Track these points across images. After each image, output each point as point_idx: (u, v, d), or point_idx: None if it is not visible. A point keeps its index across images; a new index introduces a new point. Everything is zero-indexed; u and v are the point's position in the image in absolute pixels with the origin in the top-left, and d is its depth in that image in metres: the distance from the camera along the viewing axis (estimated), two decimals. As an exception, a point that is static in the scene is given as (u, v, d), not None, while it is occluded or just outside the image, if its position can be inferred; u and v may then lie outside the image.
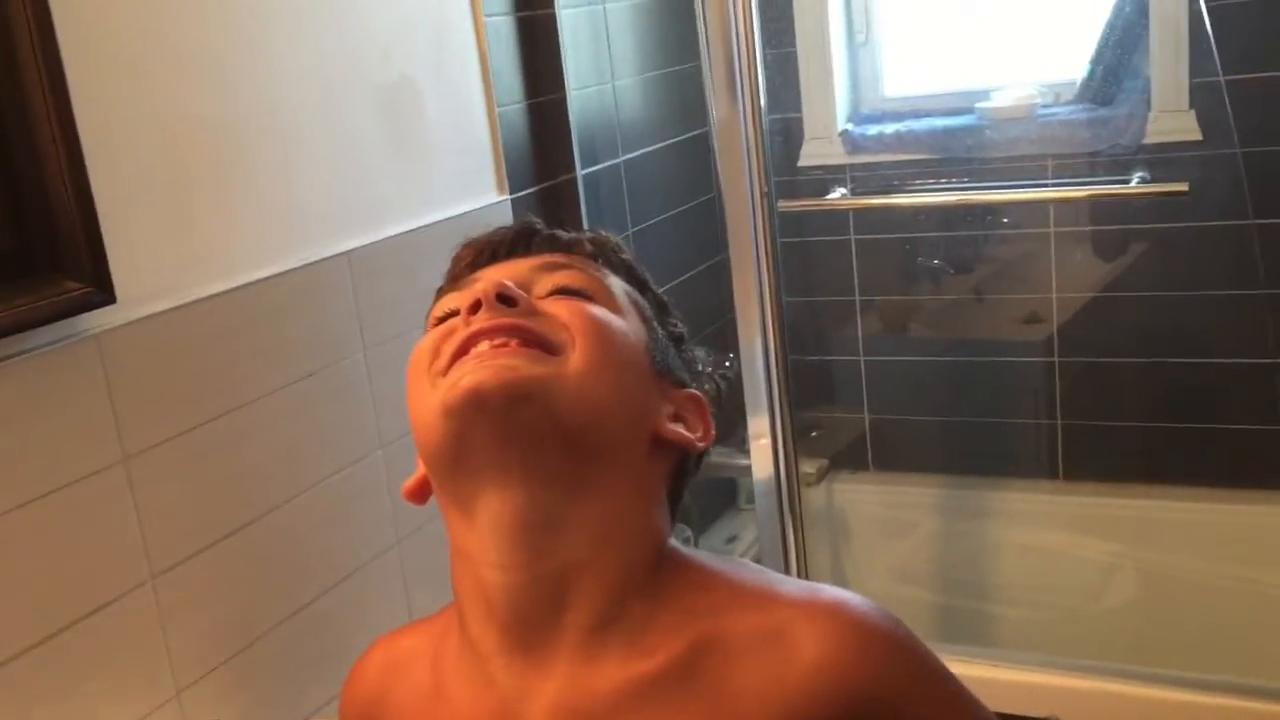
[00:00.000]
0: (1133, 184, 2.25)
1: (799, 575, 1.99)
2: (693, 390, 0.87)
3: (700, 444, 0.84)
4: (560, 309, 0.80)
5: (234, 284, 1.29)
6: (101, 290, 1.10)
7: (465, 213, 1.69)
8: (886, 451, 2.72)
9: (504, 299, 0.78)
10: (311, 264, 1.40)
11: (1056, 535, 2.51)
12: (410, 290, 1.52)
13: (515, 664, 0.78)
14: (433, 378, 0.77)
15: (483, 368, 0.73)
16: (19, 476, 1.06)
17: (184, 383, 1.23)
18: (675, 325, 0.92)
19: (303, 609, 1.40)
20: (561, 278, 0.83)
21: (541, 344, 0.76)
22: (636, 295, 0.88)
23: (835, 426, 2.74)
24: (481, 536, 0.76)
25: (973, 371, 2.63)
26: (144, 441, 1.18)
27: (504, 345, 0.75)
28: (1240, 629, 2.18)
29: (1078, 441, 2.53)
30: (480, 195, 1.76)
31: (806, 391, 2.58)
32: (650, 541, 0.80)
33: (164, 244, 1.22)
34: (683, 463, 0.86)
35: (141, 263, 1.18)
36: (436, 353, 0.78)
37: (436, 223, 1.62)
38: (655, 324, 0.87)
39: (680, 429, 0.83)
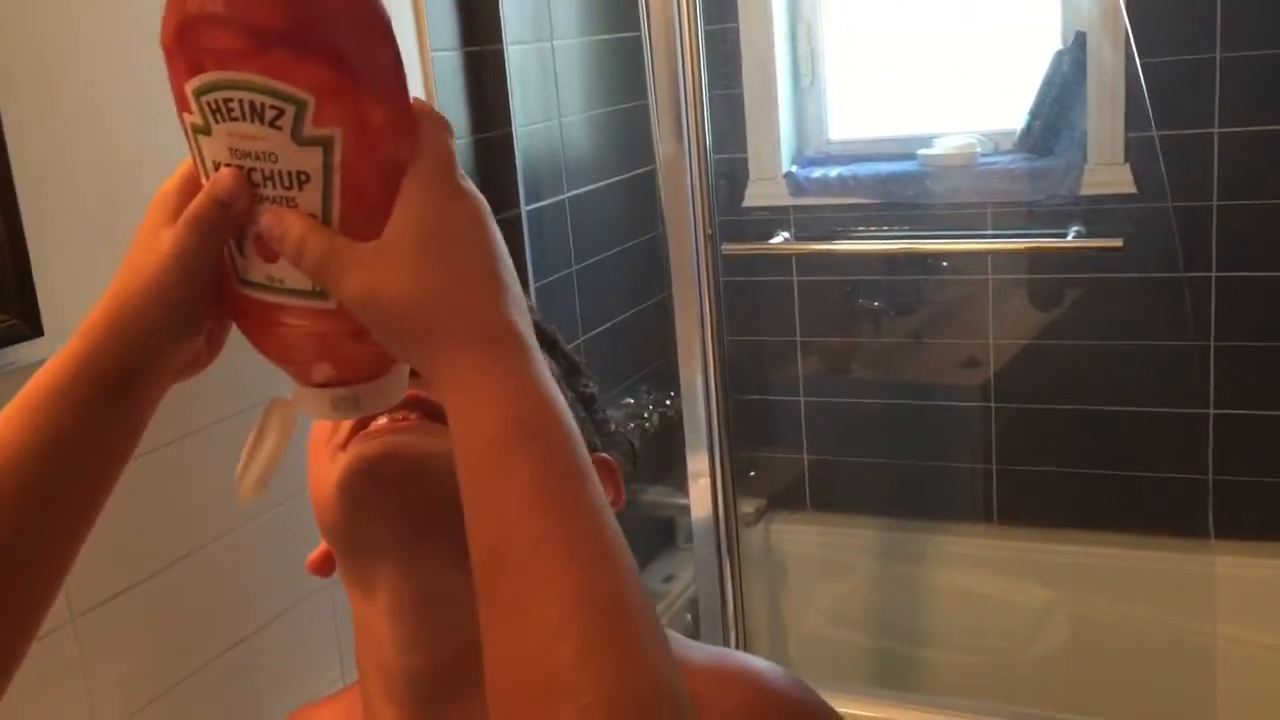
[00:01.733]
0: (1069, 238, 2.29)
1: (735, 615, 1.99)
2: (603, 455, 0.85)
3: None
4: None
5: (167, 317, 1.27)
6: (28, 322, 1.08)
7: (407, 247, 1.68)
8: (824, 492, 2.73)
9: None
10: (248, 297, 1.38)
11: (990, 579, 2.53)
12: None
13: None
14: (332, 451, 0.74)
15: (380, 443, 0.71)
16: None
17: (112, 417, 1.20)
18: (586, 386, 0.90)
19: (230, 649, 1.37)
20: None
21: (440, 416, 0.75)
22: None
23: (774, 466, 2.75)
24: (382, 616, 0.74)
25: (911, 414, 2.65)
26: (68, 477, 1.15)
27: (403, 419, 0.73)
28: (1168, 676, 2.21)
29: (1011, 486, 2.55)
30: (423, 230, 1.75)
31: (745, 431, 2.58)
32: None
33: (94, 277, 1.18)
34: None
35: (71, 296, 1.16)
36: (336, 426, 0.75)
37: (377, 257, 1.60)
38: (564, 387, 0.85)
39: None
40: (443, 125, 0.56)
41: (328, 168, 0.53)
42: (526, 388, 0.54)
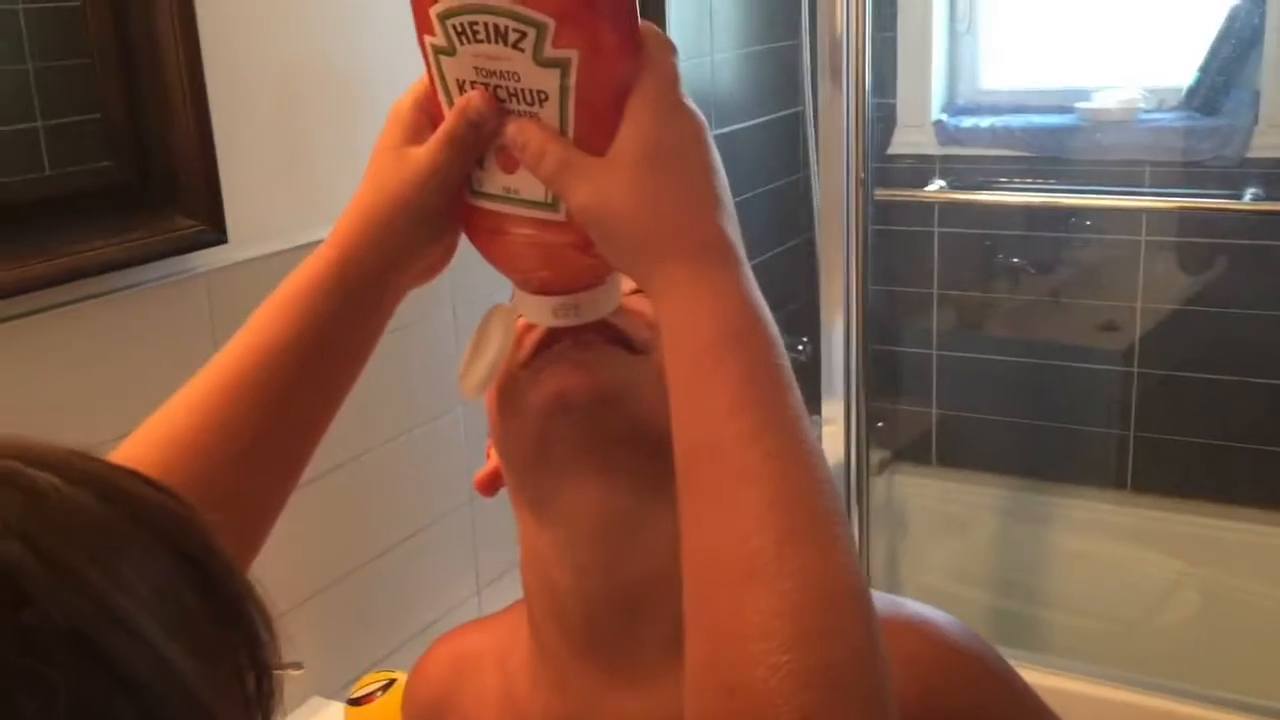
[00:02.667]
0: (1245, 200, 2.20)
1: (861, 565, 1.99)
2: None
3: None
4: (642, 305, 0.75)
5: (338, 232, 1.30)
6: (215, 228, 1.11)
7: (561, 176, 1.69)
8: (951, 447, 2.70)
9: None
10: (412, 217, 1.41)
11: (1119, 546, 2.48)
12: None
13: (591, 675, 0.75)
14: (514, 369, 0.74)
15: (566, 368, 0.71)
16: (121, 407, 1.07)
17: (283, 326, 1.24)
18: None
19: (372, 560, 1.42)
20: None
21: (623, 342, 0.73)
22: None
23: (901, 418, 2.72)
24: (556, 538, 0.74)
25: (1045, 374, 2.59)
26: (242, 382, 1.20)
27: (587, 343, 0.72)
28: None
29: (1149, 453, 2.49)
30: (576, 160, 1.75)
31: (875, 381, 2.56)
32: None
33: (277, 186, 1.23)
34: None
35: (254, 204, 1.19)
36: (520, 343, 0.75)
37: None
38: None
39: None
40: (668, 46, 0.58)
41: (564, 88, 0.55)
42: (738, 298, 0.56)
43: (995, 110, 2.53)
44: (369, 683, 1.28)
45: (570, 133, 0.57)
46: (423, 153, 0.60)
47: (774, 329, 0.56)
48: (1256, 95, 2.25)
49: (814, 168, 2.22)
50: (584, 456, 0.71)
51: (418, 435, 1.46)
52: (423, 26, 0.58)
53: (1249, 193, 2.20)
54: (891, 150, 2.58)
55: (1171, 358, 2.43)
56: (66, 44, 1.05)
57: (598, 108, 0.56)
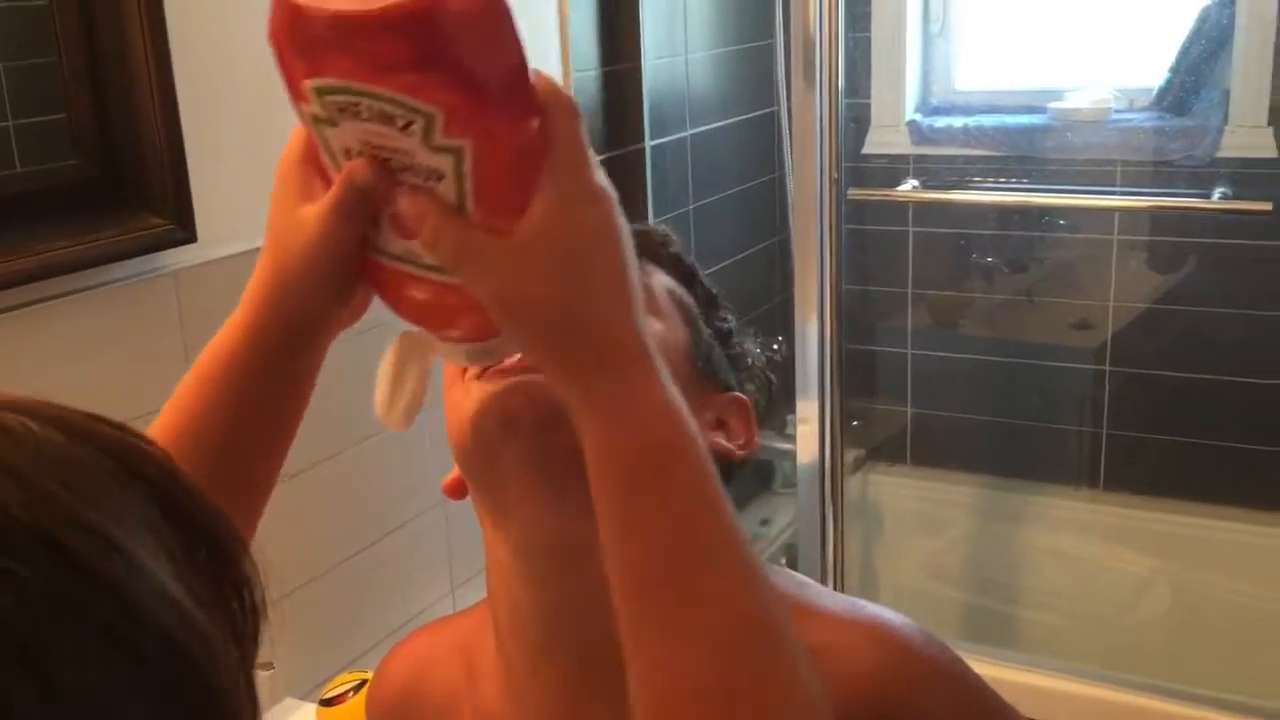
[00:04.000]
0: (1214, 199, 2.21)
1: (835, 564, 1.99)
2: (736, 394, 0.83)
3: (740, 452, 0.80)
4: None
5: (309, 231, 1.30)
6: (183, 227, 1.11)
7: (534, 176, 1.68)
8: (926, 446, 2.71)
9: None
10: (384, 216, 1.40)
11: (1092, 544, 2.50)
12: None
13: (556, 686, 0.75)
14: (466, 382, 0.73)
15: (513, 384, 0.70)
16: (89, 407, 1.07)
17: (254, 326, 1.24)
18: (724, 320, 0.87)
19: (346, 560, 1.41)
20: None
21: None
22: (681, 291, 0.84)
23: (876, 417, 2.73)
24: (513, 551, 0.74)
25: (1019, 373, 2.61)
26: (212, 381, 1.19)
27: None
28: (1272, 653, 2.17)
29: (1121, 452, 2.51)
30: (550, 159, 1.75)
31: (850, 380, 2.57)
32: None
33: (246, 185, 1.22)
34: (723, 468, 0.84)
35: (223, 202, 1.19)
36: None
37: (506, 184, 1.62)
38: (700, 322, 0.83)
39: (720, 438, 0.79)
40: (572, 112, 0.54)
41: (459, 172, 0.52)
42: (664, 410, 0.55)
43: (968, 110, 2.54)
44: (341, 683, 1.28)
45: (469, 211, 0.53)
46: (313, 218, 0.57)
47: (698, 435, 0.55)
48: (1226, 95, 2.27)
49: (788, 168, 2.23)
50: (534, 477, 0.71)
51: (391, 435, 1.45)
52: (296, 94, 0.53)
53: (1217, 192, 2.22)
54: (866, 150, 2.59)
55: (1143, 356, 2.45)
56: (34, 42, 1.04)
57: (498, 188, 0.53)
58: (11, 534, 0.32)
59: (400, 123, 0.50)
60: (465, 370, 0.74)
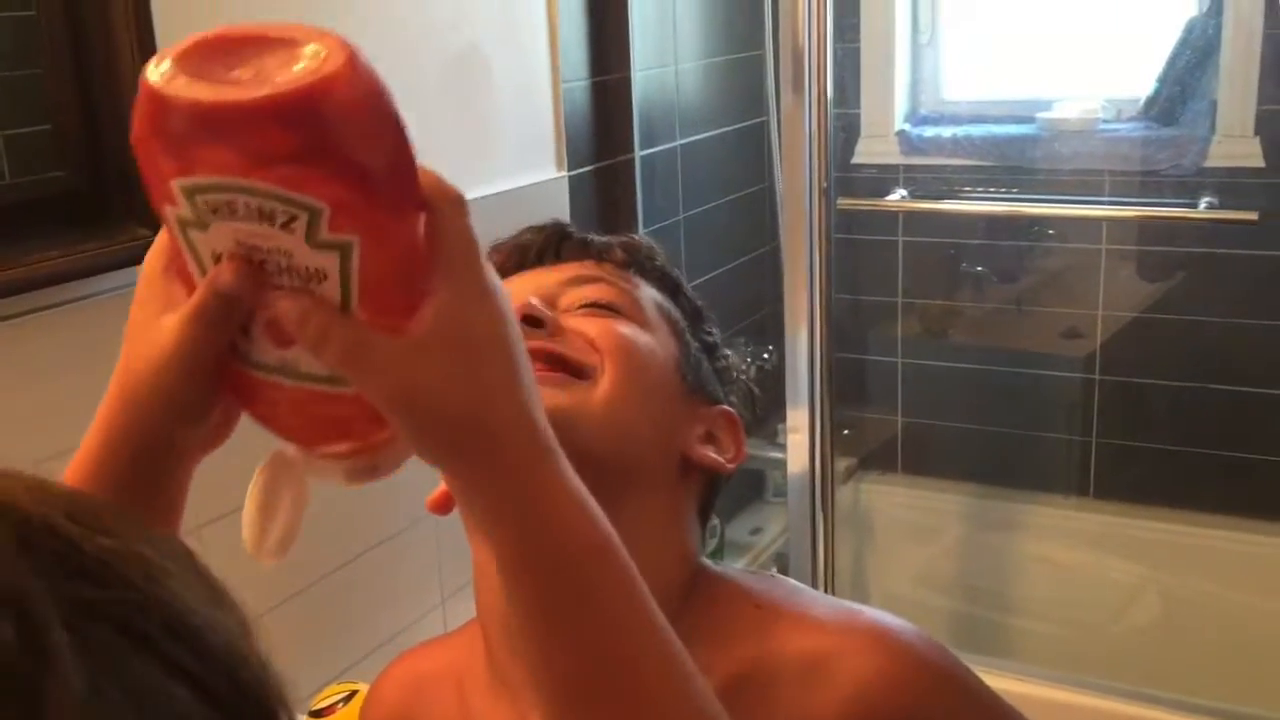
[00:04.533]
0: (1200, 208, 2.23)
1: (825, 573, 1.99)
2: (724, 407, 0.84)
3: (730, 465, 0.81)
4: (588, 327, 0.77)
5: (297, 242, 1.30)
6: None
7: (524, 186, 1.69)
8: (917, 455, 2.71)
9: (530, 320, 0.74)
10: (373, 227, 1.40)
11: (1082, 552, 2.50)
12: (466, 260, 1.52)
13: None
14: None
15: None
16: (76, 420, 1.06)
17: (242, 337, 1.24)
18: (709, 333, 0.88)
19: (335, 571, 1.41)
20: (591, 292, 0.80)
21: (568, 367, 0.74)
22: (669, 305, 0.85)
23: (867, 426, 2.73)
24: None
25: (1009, 382, 2.61)
26: (200, 392, 1.19)
27: (536, 371, 0.73)
28: (1261, 661, 2.17)
29: (1110, 460, 2.51)
30: (539, 170, 1.75)
31: (840, 389, 2.58)
32: (681, 564, 0.78)
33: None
34: (713, 480, 0.83)
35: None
36: None
37: (496, 194, 1.62)
38: (687, 336, 0.84)
39: (710, 451, 0.80)
40: (459, 206, 0.52)
41: (345, 270, 0.48)
42: (580, 506, 0.53)
43: (957, 120, 2.55)
44: (331, 694, 1.27)
45: (355, 311, 0.49)
46: (169, 329, 0.51)
47: (613, 531, 0.54)
48: (1213, 105, 2.28)
49: (778, 178, 2.23)
50: None
51: (380, 446, 1.45)
52: (160, 195, 0.49)
53: (1204, 201, 2.23)
54: (856, 160, 2.60)
55: (1132, 365, 2.46)
56: (20, 54, 1.04)
57: (387, 286, 0.49)
58: None
59: (281, 220, 0.47)
60: None
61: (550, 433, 0.54)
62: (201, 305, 0.51)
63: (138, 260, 1.08)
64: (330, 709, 1.26)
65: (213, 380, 0.53)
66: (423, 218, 0.50)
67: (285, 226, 0.47)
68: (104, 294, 1.09)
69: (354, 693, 1.27)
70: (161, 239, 0.54)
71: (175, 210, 0.48)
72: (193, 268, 0.51)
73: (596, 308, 0.79)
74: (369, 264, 0.48)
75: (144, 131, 0.48)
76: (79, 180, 1.06)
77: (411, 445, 0.53)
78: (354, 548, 1.44)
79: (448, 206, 0.51)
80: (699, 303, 0.90)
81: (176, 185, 0.47)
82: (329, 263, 0.48)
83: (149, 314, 0.53)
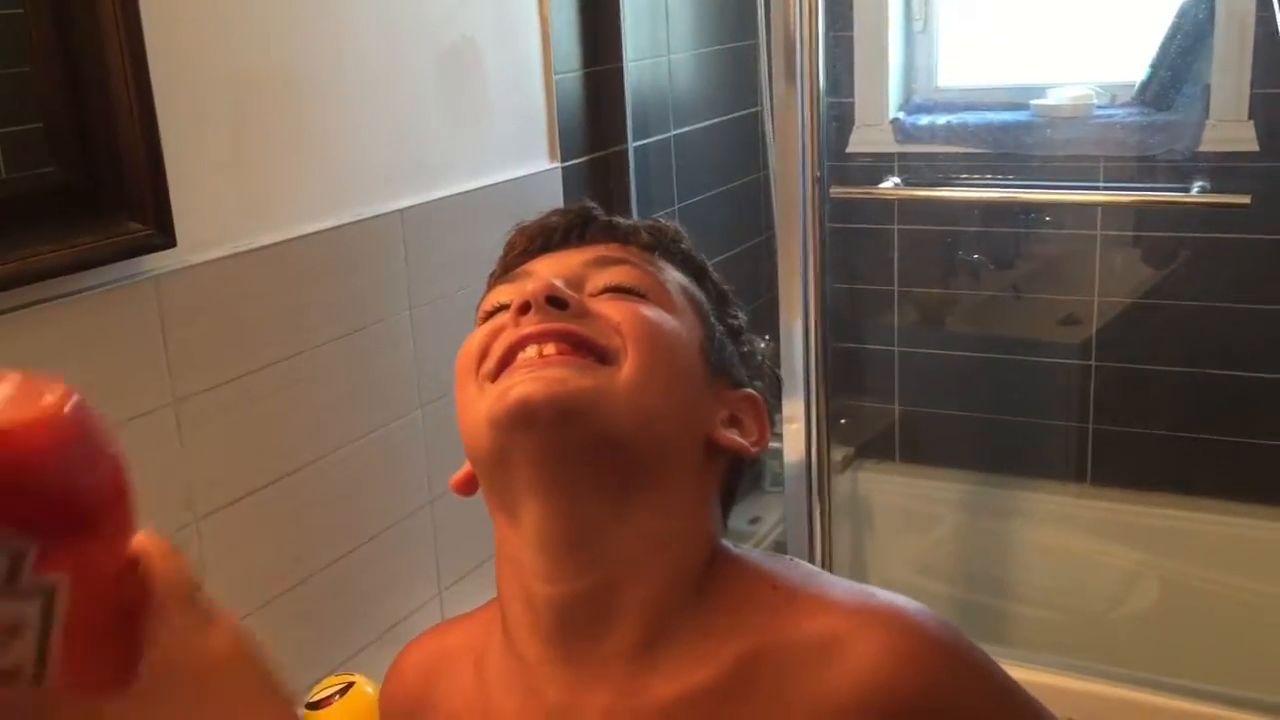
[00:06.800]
0: (1193, 193, 2.23)
1: (822, 562, 1.99)
2: (749, 390, 0.84)
3: (754, 449, 0.81)
4: (613, 310, 0.77)
5: (290, 235, 1.30)
6: (163, 233, 1.11)
7: (517, 178, 1.69)
8: (914, 443, 2.71)
9: (554, 301, 0.75)
10: (366, 219, 1.40)
11: (1080, 539, 2.50)
12: (459, 253, 1.52)
13: (562, 675, 0.76)
14: (480, 381, 0.74)
15: (531, 379, 0.70)
16: (71, 413, 1.07)
17: (236, 330, 1.24)
18: (734, 317, 0.88)
19: (332, 563, 1.41)
20: (615, 275, 0.80)
21: (592, 350, 0.74)
22: (694, 288, 0.84)
23: (864, 415, 2.73)
24: (527, 546, 0.74)
25: (1006, 369, 2.61)
26: (194, 386, 1.19)
27: (553, 353, 0.72)
28: (1261, 645, 2.18)
29: (1108, 446, 2.52)
30: (532, 161, 1.75)
31: (837, 378, 2.57)
32: (701, 547, 0.78)
33: (225, 191, 1.22)
34: (736, 463, 0.83)
35: (202, 208, 1.19)
36: (485, 353, 0.75)
37: (489, 186, 1.62)
38: (712, 319, 0.84)
39: (735, 435, 0.80)
40: (169, 549, 0.48)
41: (48, 618, 0.42)
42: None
43: (951, 108, 2.55)
44: (328, 686, 1.28)
45: (50, 668, 0.41)
46: None
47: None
48: (1207, 90, 2.28)
49: (772, 167, 2.23)
50: (547, 473, 0.72)
51: (376, 438, 1.45)
52: None
53: (1197, 185, 2.23)
54: (850, 148, 2.59)
55: (1129, 350, 2.46)
56: (9, 51, 1.04)
57: (94, 635, 0.43)
58: None
59: None
60: (479, 368, 0.76)
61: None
62: None
63: (129, 254, 1.09)
64: (327, 700, 1.26)
65: None
66: (136, 563, 0.45)
67: None
68: (96, 288, 1.09)
69: (350, 684, 1.27)
70: None
71: None
72: None
73: (621, 291, 0.79)
74: (79, 608, 0.42)
75: None
76: (71, 175, 1.06)
77: None
78: (351, 541, 1.44)
79: (155, 549, 0.47)
80: (725, 286, 0.89)
81: None
82: (29, 610, 0.41)
83: None
